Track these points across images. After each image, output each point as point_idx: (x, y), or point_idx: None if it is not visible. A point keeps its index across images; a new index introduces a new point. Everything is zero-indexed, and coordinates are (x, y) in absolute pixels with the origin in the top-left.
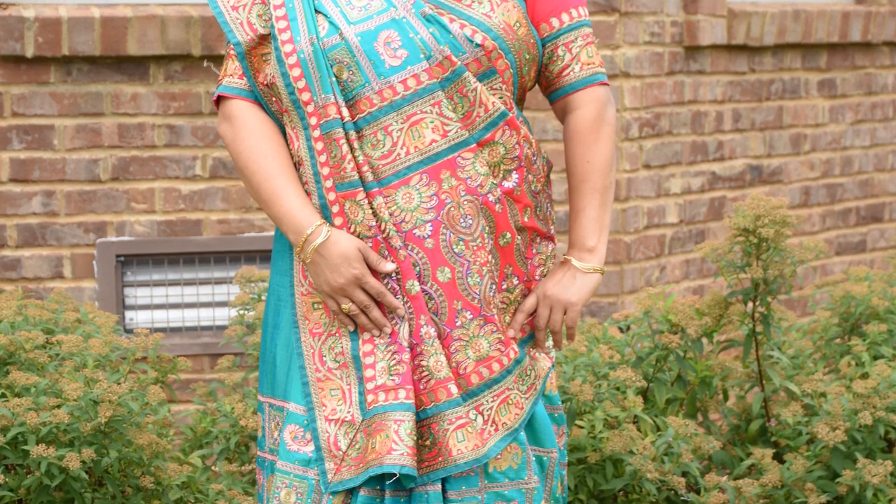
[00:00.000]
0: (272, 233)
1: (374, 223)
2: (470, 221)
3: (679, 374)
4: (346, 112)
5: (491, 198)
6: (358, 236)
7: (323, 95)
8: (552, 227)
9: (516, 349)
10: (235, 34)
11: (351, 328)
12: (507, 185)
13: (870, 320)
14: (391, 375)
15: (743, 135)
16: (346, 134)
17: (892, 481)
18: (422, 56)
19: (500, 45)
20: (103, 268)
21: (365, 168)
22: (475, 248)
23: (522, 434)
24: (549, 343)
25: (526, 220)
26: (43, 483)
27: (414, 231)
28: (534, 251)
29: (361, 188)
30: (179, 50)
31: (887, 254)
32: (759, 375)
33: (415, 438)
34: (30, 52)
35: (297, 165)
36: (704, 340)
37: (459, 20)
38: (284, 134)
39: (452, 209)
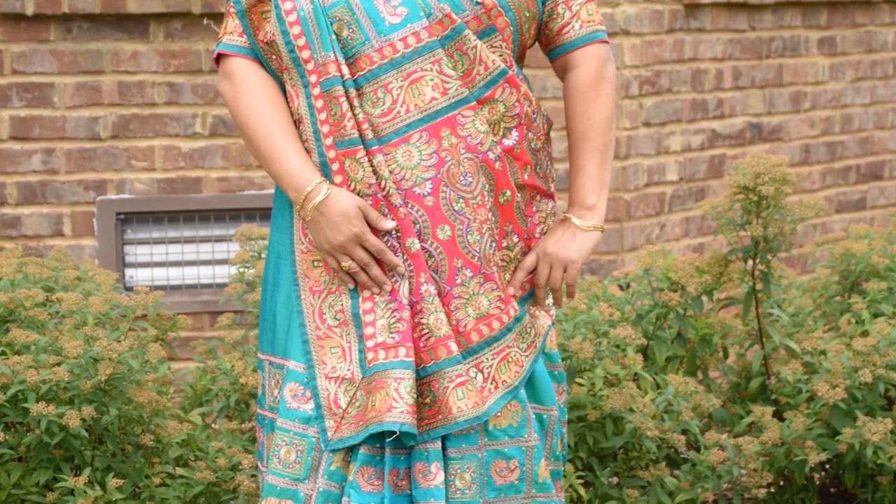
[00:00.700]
0: (272, 190)
1: (373, 181)
2: (470, 179)
3: (679, 332)
4: (346, 70)
5: (491, 155)
6: (358, 194)
7: (323, 53)
8: (552, 185)
9: (516, 307)
10: None
11: (351, 286)
12: (507, 142)
13: (870, 278)
14: (391, 333)
15: (743, 93)
16: (346, 92)
17: (892, 439)
18: (422, 14)
19: (500, 3)
20: (103, 226)
21: (365, 126)
22: (475, 205)
23: (522, 392)
24: (549, 301)
25: (526, 177)
26: (43, 441)
27: (414, 189)
28: (534, 209)
29: (361, 146)
30: (179, 8)
31: (887, 211)
32: (759, 333)
33: (415, 396)
34: (30, 10)
35: (297, 123)
36: (704, 298)
37: None
38: (284, 92)
39: (452, 167)
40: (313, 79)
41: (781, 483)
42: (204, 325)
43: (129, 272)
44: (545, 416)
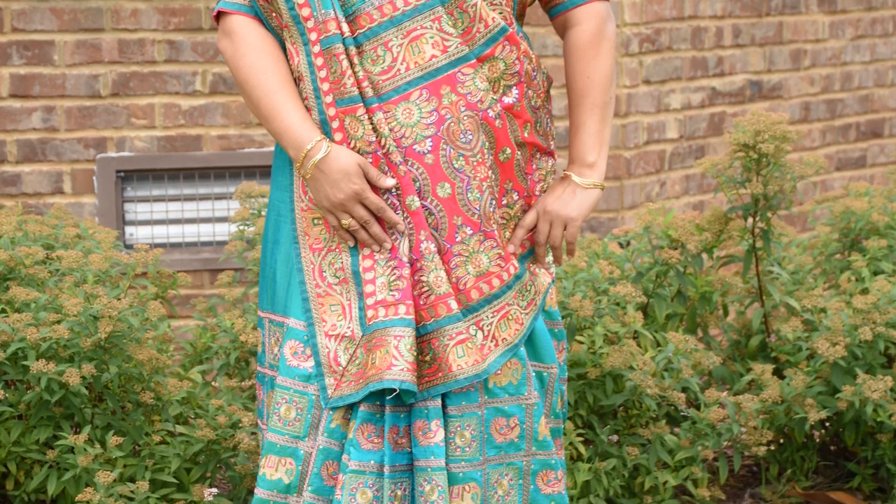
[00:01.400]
0: (272, 148)
1: (373, 139)
2: (470, 137)
3: (679, 290)
4: (345, 27)
5: (491, 113)
6: (358, 152)
7: (323, 11)
8: (552, 143)
9: (516, 265)
10: None
11: (351, 244)
12: (507, 100)
13: (870, 236)
14: (391, 291)
15: (743, 50)
16: (346, 49)
17: (891, 397)
18: None
19: None
20: (103, 183)
21: (365, 83)
22: (475, 163)
23: (522, 349)
24: (549, 258)
25: (526, 135)
26: (43, 398)
27: (414, 146)
28: (534, 167)
29: (361, 104)
30: None
31: (887, 169)
32: (759, 291)
33: (415, 354)
34: None
35: (297, 81)
36: (704, 256)
37: None
38: (284, 49)
39: (452, 124)
40: (313, 36)
41: (781, 441)
42: (204, 283)
43: (129, 230)
44: (545, 374)
